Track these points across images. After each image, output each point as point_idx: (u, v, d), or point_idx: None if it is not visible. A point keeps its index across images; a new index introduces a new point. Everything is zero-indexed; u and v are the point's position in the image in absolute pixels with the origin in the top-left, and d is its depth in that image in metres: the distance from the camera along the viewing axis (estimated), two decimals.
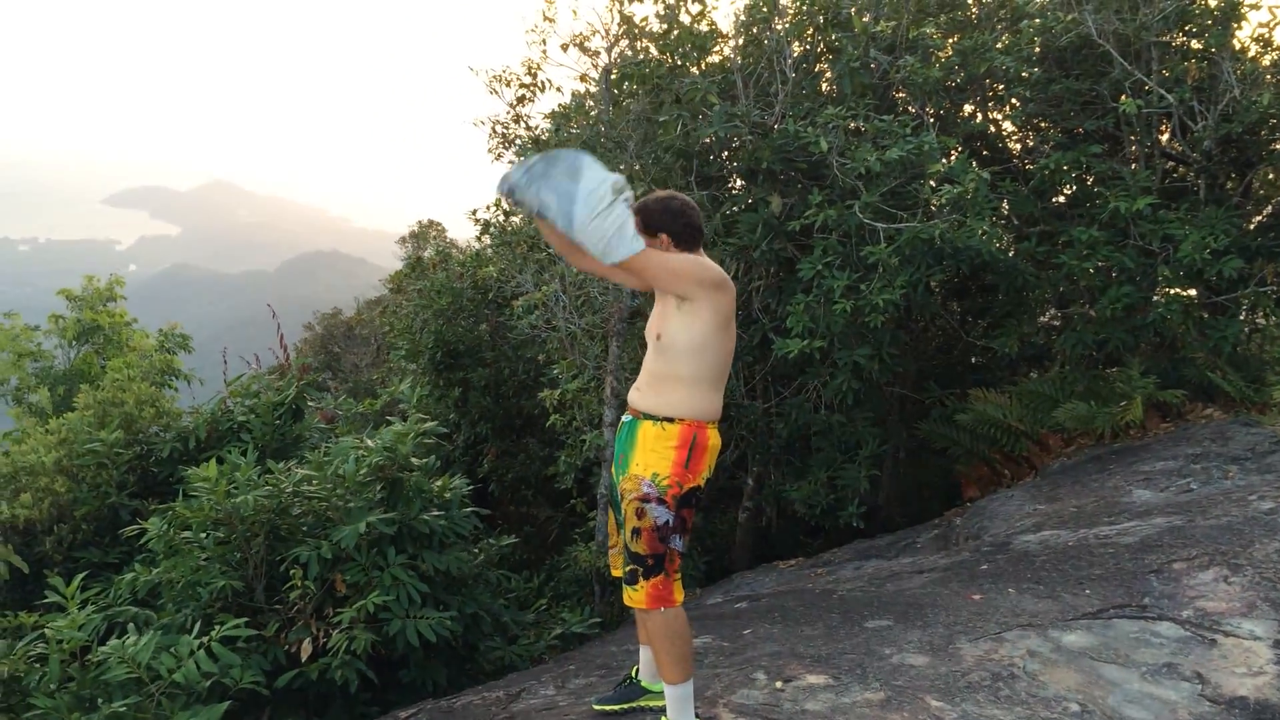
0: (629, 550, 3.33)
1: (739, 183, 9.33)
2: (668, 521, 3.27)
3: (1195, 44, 8.51)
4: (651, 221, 3.36)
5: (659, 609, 3.31)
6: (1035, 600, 4.72)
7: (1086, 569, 5.04)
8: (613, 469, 3.50)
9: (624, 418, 3.51)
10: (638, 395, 3.44)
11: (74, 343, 13.39)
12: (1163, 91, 8.05)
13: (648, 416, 3.35)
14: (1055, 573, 5.09)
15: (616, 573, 3.54)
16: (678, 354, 3.34)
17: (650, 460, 3.30)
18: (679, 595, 3.36)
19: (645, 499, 3.27)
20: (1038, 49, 8.74)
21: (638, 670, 3.77)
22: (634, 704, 3.71)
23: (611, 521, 3.62)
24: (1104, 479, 6.97)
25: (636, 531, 3.29)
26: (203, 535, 5.62)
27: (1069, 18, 8.37)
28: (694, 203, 3.46)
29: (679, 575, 3.37)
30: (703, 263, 3.33)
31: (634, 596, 3.34)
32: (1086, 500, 6.63)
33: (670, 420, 3.31)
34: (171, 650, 4.55)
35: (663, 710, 3.52)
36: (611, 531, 3.63)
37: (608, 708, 3.74)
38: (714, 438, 3.39)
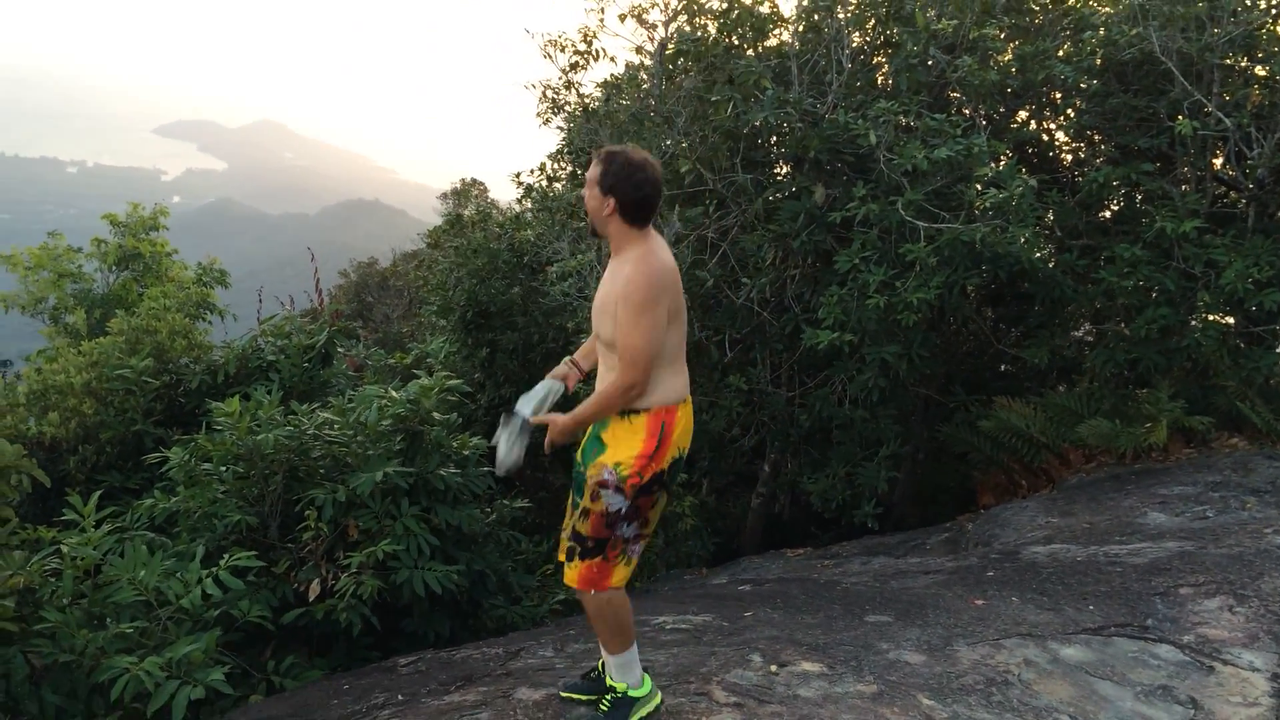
0: (574, 528, 3.29)
1: (785, 169, 9.30)
2: (620, 510, 3.21)
3: (1259, 70, 8.37)
4: (607, 179, 3.17)
5: (589, 591, 3.26)
6: (1037, 611, 4.73)
7: (1092, 585, 5.04)
8: (579, 453, 3.40)
9: None
10: None
11: (114, 268, 13.53)
12: (1221, 115, 7.93)
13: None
14: (1060, 586, 5.09)
15: (561, 557, 3.41)
16: None
17: (617, 450, 3.22)
18: (617, 579, 3.28)
19: (604, 484, 3.20)
20: (1099, 61, 8.62)
21: (604, 663, 3.63)
22: (598, 699, 3.57)
23: (569, 503, 3.49)
24: (1120, 498, 6.94)
25: (586, 513, 3.24)
26: (223, 469, 5.71)
27: (1133, 32, 8.24)
28: (658, 179, 3.22)
29: (623, 561, 3.28)
30: (652, 301, 3.10)
31: (568, 574, 3.30)
32: (1100, 518, 6.61)
33: (636, 412, 3.22)
34: (179, 576, 4.64)
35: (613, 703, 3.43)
36: (568, 511, 3.48)
37: (574, 695, 3.66)
38: (684, 418, 3.28)
